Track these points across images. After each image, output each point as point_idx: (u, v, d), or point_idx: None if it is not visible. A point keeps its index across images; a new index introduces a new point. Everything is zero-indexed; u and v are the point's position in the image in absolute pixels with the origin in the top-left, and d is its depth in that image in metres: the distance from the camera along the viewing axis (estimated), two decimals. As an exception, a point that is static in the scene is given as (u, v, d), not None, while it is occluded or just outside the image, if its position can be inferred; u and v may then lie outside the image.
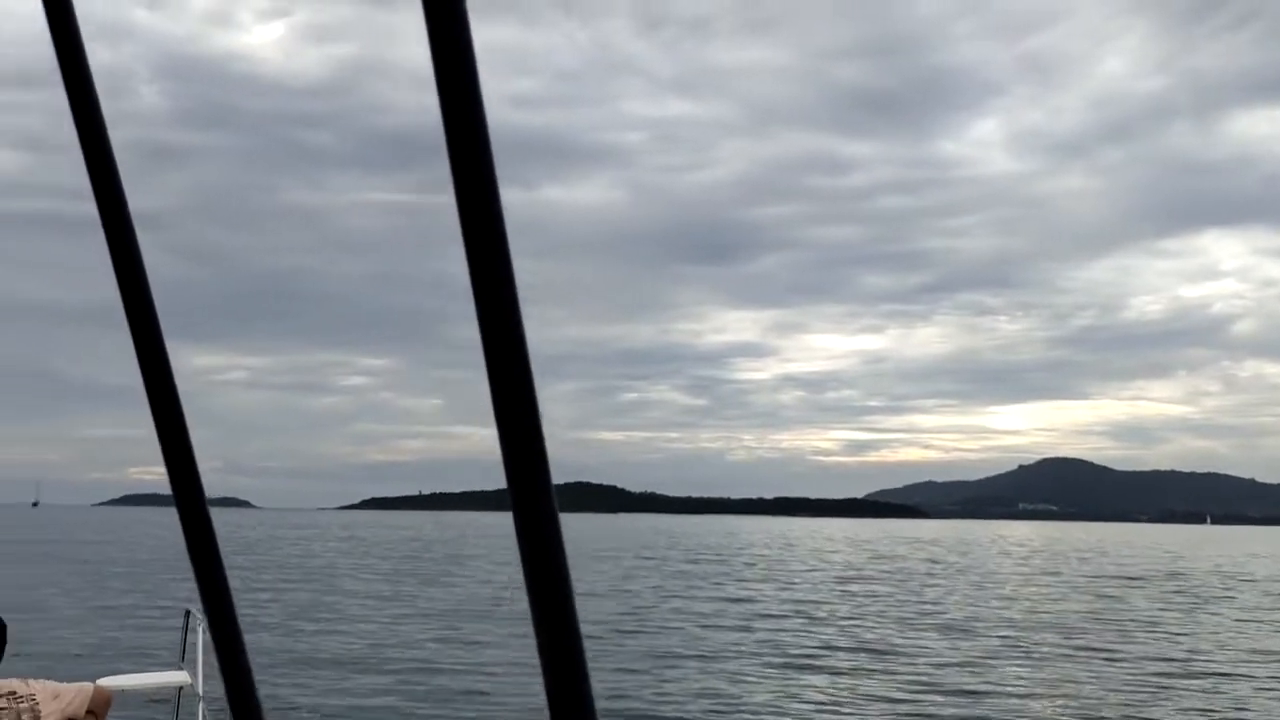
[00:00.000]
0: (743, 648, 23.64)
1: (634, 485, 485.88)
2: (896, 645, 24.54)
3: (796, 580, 45.33)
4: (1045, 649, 24.48)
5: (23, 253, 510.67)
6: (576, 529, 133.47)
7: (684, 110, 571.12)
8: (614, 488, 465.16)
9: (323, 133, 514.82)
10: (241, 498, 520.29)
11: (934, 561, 63.36)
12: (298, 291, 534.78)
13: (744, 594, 37.65)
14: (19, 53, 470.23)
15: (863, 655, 22.91)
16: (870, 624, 28.93)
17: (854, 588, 41.68)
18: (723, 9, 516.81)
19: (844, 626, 28.21)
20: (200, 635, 8.27)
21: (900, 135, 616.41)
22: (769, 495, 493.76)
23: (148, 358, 1.08)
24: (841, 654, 23.10)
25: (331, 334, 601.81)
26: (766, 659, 22.01)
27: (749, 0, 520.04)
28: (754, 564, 57.08)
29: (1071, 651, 24.07)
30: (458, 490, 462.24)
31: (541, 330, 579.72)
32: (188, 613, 9.54)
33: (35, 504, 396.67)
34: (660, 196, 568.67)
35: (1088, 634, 27.33)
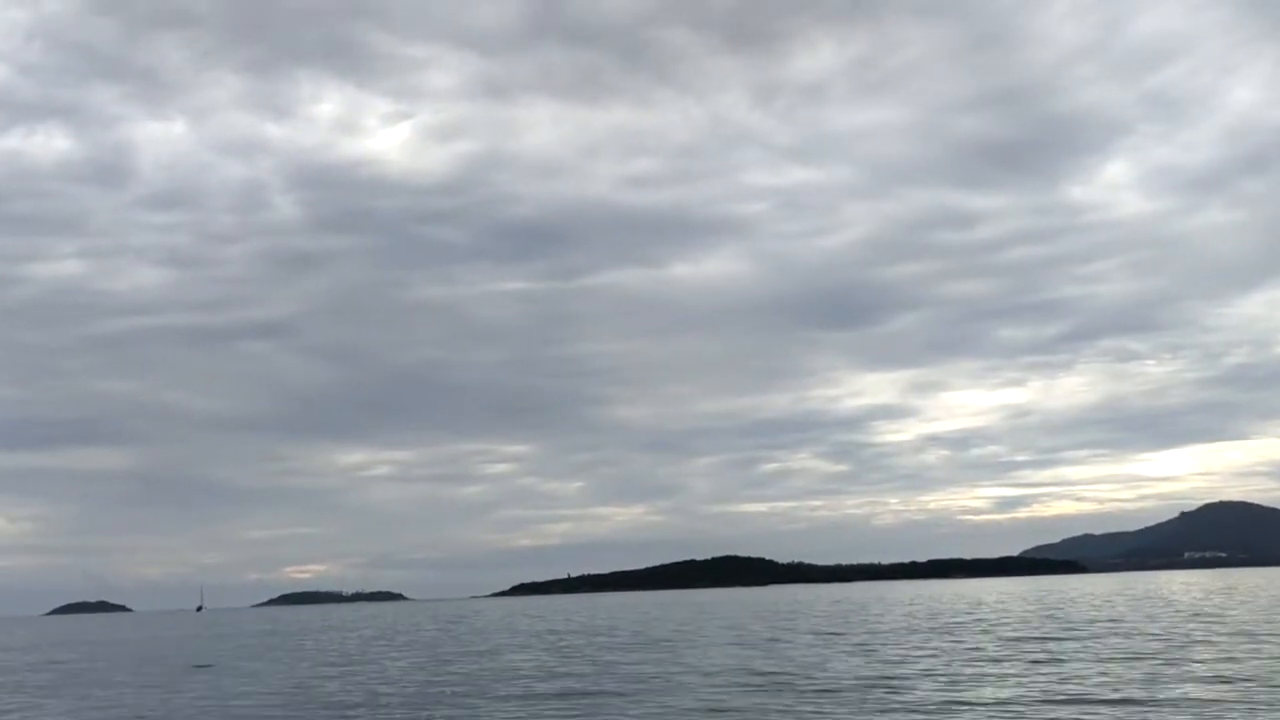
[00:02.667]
0: None
1: (781, 556, 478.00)
2: None
3: (1075, 638, 42.26)
4: None
5: (175, 365, 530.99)
6: (754, 602, 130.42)
7: (805, 177, 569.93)
8: (761, 559, 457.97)
9: (450, 228, 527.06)
10: (394, 591, 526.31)
11: (1195, 615, 59.14)
12: (434, 384, 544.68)
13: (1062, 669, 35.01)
14: (165, 176, 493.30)
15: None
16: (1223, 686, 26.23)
17: (1145, 645, 38.51)
18: (837, 73, 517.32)
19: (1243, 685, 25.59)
20: None
21: (1027, 184, 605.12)
22: (921, 558, 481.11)
23: None
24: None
25: (470, 424, 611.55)
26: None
27: (863, 61, 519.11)
28: (999, 625, 53.97)
29: None
30: (606, 571, 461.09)
31: (672, 406, 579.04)
32: None
33: (199, 609, 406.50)
34: (787, 264, 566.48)
35: None
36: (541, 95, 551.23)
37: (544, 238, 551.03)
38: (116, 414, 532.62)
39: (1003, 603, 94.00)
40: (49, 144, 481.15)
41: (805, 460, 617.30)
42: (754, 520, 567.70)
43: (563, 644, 54.27)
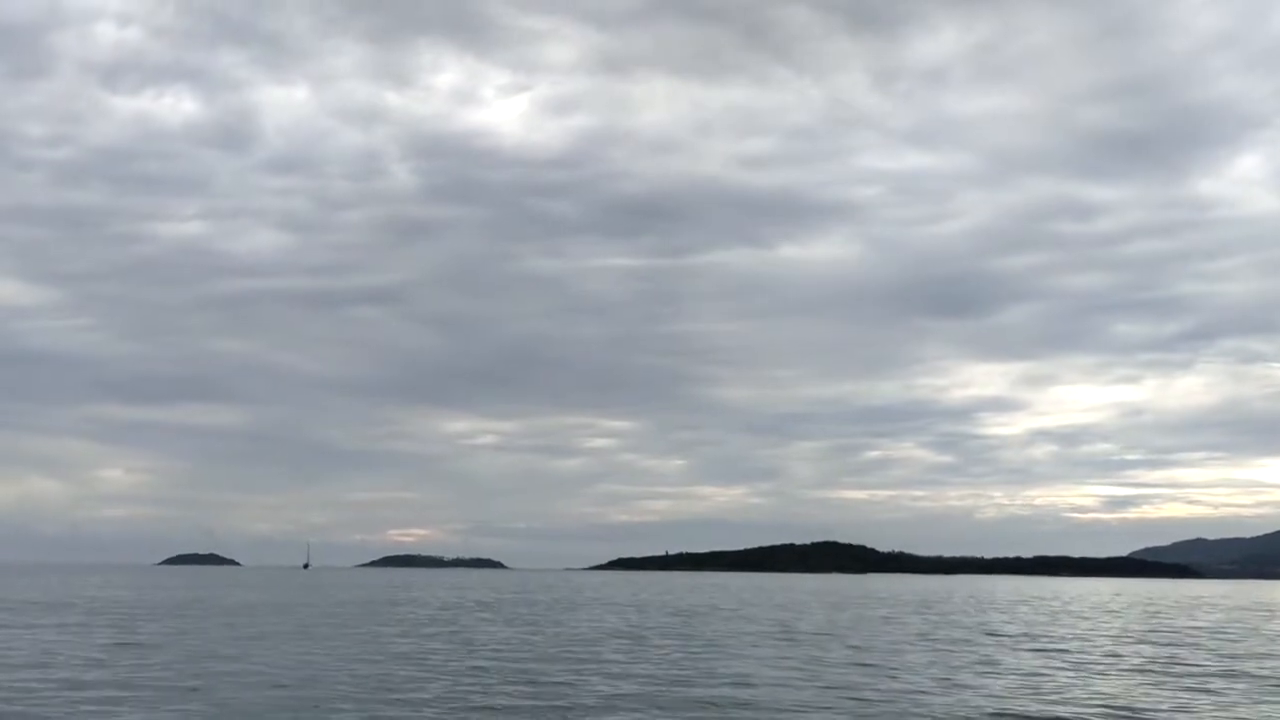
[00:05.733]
0: None
1: (881, 545, 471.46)
2: None
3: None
4: None
5: (288, 328, 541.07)
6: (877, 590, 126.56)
7: (922, 162, 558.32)
8: (862, 547, 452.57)
9: (562, 201, 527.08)
10: (494, 559, 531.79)
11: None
12: (540, 356, 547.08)
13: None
14: (286, 141, 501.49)
15: None
16: None
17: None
18: (958, 58, 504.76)
19: None
20: None
21: (1153, 177, 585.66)
22: (1025, 554, 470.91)
23: None
24: None
25: (573, 397, 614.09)
26: None
27: (985, 47, 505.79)
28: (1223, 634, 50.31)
29: None
30: (703, 550, 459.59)
31: (776, 389, 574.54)
32: None
33: (306, 566, 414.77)
34: (899, 250, 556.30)
35: None
36: (658, 71, 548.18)
37: (654, 214, 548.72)
38: (230, 372, 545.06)
39: (1202, 608, 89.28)
40: (177, 106, 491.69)
41: (909, 449, 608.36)
42: (854, 507, 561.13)
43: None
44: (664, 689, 28.01)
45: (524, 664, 33.89)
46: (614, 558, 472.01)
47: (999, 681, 30.76)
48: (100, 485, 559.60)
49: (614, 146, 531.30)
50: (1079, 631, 55.58)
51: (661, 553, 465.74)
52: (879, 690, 28.43)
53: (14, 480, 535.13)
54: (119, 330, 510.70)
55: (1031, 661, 37.38)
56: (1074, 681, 31.22)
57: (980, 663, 36.46)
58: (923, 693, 28.01)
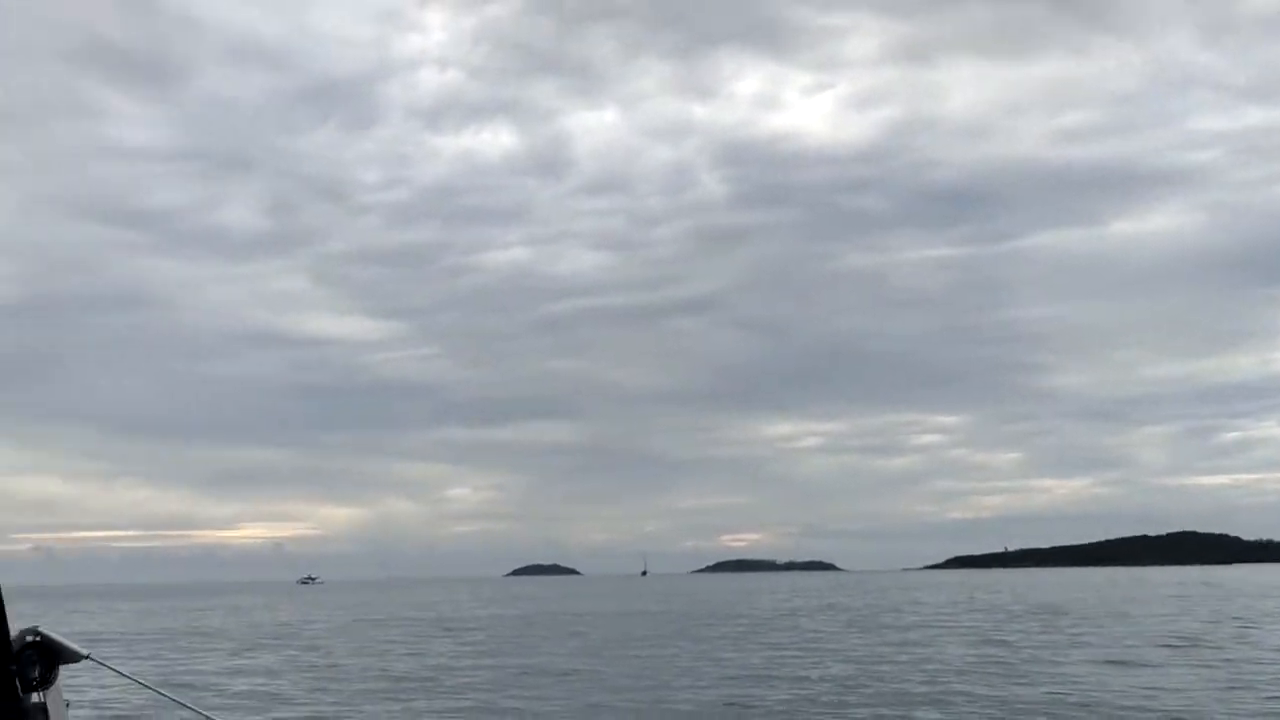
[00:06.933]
0: None
1: (1247, 532, 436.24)
2: None
3: None
4: None
5: (613, 344, 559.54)
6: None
7: (1264, 118, 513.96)
8: (1224, 535, 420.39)
9: (873, 196, 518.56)
10: (826, 561, 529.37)
11: None
12: (860, 354, 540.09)
13: None
14: (599, 163, 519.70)
15: None
16: None
17: None
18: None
19: None
20: None
21: None
22: None
23: None
24: None
25: (898, 394, 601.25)
26: None
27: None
28: None
29: None
30: (1045, 545, 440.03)
31: (1116, 372, 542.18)
32: None
33: (644, 573, 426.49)
34: (1244, 215, 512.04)
35: None
36: (964, 54, 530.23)
37: (970, 201, 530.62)
38: (564, 391, 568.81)
39: None
40: (495, 140, 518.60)
41: (1273, 428, 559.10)
42: (1213, 493, 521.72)
43: None
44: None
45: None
46: (949, 556, 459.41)
47: None
48: (450, 504, 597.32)
49: (923, 135, 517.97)
50: None
51: (1000, 549, 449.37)
52: None
53: (376, 503, 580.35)
54: (460, 357, 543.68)
55: None
56: None
57: None
58: None
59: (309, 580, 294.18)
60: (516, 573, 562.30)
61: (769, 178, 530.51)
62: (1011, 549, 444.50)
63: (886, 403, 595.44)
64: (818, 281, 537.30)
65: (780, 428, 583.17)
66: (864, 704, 24.85)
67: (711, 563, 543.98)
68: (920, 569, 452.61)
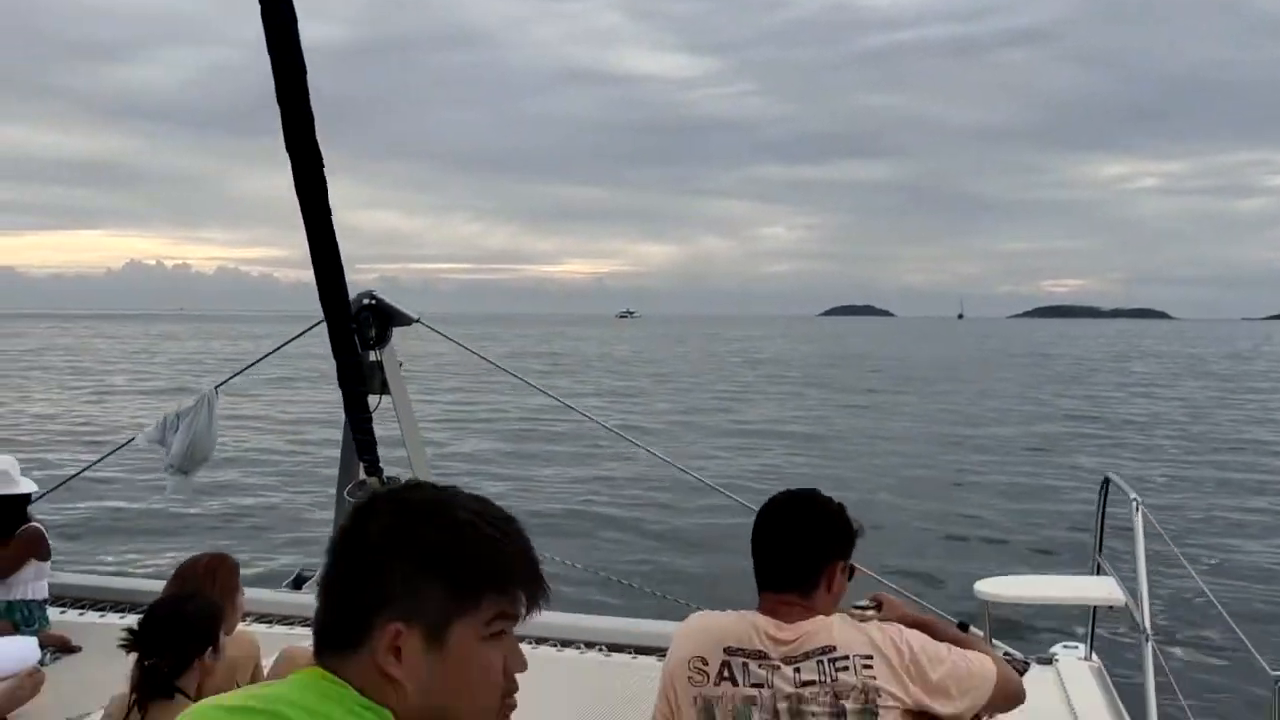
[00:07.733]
0: None
1: None
2: None
3: None
4: None
5: (934, 78, 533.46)
6: None
7: None
8: None
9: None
10: (1157, 309, 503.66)
11: None
12: (1211, 88, 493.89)
13: None
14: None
15: None
16: None
17: None
18: None
19: None
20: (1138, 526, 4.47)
21: None
22: None
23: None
24: None
25: (1253, 131, 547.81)
26: None
27: None
28: None
29: None
30: None
31: None
32: (1106, 482, 5.12)
33: (960, 316, 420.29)
34: None
35: None
36: None
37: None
38: (881, 127, 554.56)
39: None
40: None
41: None
42: None
43: None
44: None
45: None
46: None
47: None
48: (763, 242, 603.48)
49: None
50: None
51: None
52: None
53: (690, 240, 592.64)
54: (775, 93, 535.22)
55: None
56: None
57: None
58: None
59: (627, 314, 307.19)
60: (830, 312, 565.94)
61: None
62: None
63: (1238, 140, 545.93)
64: (1164, 10, 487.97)
65: (1113, 168, 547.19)
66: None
67: (1030, 308, 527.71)
68: (1264, 319, 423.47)
